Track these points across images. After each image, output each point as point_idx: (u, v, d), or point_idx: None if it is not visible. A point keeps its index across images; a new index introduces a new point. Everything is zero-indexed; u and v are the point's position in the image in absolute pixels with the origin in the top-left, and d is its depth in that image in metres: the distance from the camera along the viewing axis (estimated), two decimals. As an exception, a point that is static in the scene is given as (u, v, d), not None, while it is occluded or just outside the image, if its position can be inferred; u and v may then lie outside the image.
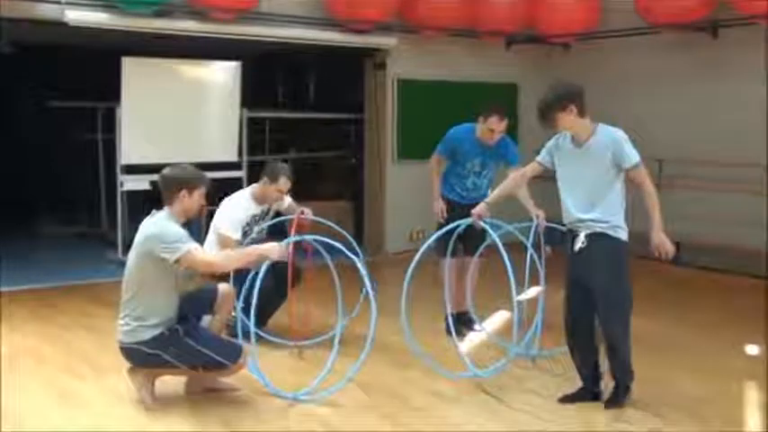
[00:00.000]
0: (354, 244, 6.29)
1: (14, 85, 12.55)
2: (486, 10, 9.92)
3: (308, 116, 12.27)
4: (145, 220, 4.99)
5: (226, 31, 8.85)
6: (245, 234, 6.17)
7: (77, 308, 7.38)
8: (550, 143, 5.14)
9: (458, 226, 5.83)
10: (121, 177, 9.06)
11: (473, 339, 6.51)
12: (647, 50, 9.93)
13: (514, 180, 5.58)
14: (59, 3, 7.84)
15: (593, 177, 4.88)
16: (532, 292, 6.07)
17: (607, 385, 5.09)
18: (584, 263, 4.88)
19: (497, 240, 5.36)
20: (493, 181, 6.53)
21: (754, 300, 7.87)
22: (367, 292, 5.13)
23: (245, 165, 9.83)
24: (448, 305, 6.34)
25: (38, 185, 12.72)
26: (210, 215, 6.39)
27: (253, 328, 5.03)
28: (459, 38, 10.24)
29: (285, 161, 11.21)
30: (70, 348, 6.18)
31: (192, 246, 4.87)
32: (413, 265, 5.43)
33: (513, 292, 5.15)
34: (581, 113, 4.87)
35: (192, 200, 4.98)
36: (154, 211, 5.00)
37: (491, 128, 6.38)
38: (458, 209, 6.33)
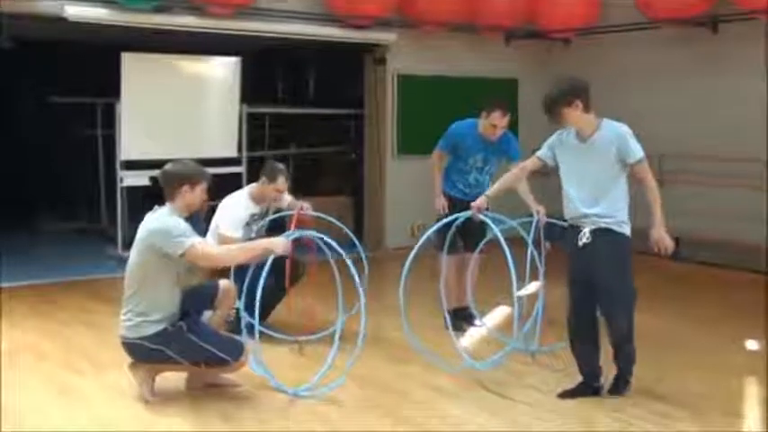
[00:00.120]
0: (354, 239, 6.31)
1: (14, 81, 12.53)
2: (486, 5, 9.92)
3: (307, 112, 12.26)
4: (147, 216, 4.99)
5: (225, 27, 8.85)
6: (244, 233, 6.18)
7: (77, 304, 7.38)
8: (552, 139, 5.14)
9: (456, 219, 5.83)
10: (121, 173, 9.06)
11: (473, 334, 6.52)
12: (647, 45, 9.93)
13: (514, 174, 5.59)
14: (59, -2, 7.85)
15: (597, 172, 4.89)
16: (532, 287, 6.07)
17: (607, 377, 5.11)
18: (589, 258, 4.88)
19: (499, 235, 5.36)
20: (495, 177, 6.52)
21: (753, 295, 7.88)
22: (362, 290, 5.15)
23: (244, 160, 9.83)
24: (444, 301, 6.32)
25: (37, 181, 12.70)
26: (211, 210, 6.39)
27: (258, 326, 5.02)
28: (458, 33, 10.24)
29: (285, 157, 11.35)
30: (70, 344, 6.18)
31: (197, 240, 4.88)
32: (410, 259, 5.45)
33: (515, 287, 5.16)
34: (586, 109, 4.87)
35: (194, 195, 4.98)
36: (156, 206, 5.00)
37: (494, 123, 6.37)
38: (459, 206, 6.27)
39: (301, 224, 5.94)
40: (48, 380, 5.39)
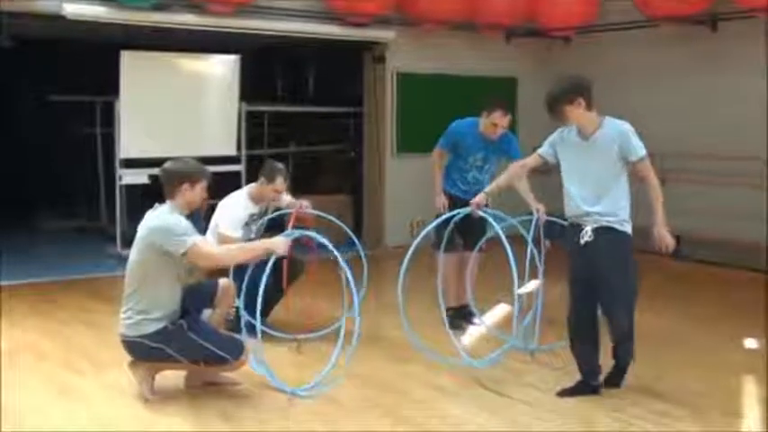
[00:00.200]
0: (354, 237, 6.31)
1: (14, 80, 12.52)
2: (486, 3, 9.91)
3: (307, 110, 12.25)
4: (148, 213, 4.99)
5: (224, 25, 8.85)
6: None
7: (77, 303, 7.38)
8: (554, 136, 5.14)
9: (454, 216, 5.84)
10: (120, 171, 9.06)
11: (473, 333, 6.52)
12: (647, 44, 9.93)
13: (514, 171, 5.58)
14: (58, -4, 7.84)
15: (599, 170, 4.89)
16: (531, 285, 6.07)
17: (603, 370, 5.13)
18: (590, 256, 4.88)
19: (500, 232, 5.37)
20: (494, 176, 6.51)
21: (753, 293, 7.88)
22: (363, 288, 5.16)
23: (243, 158, 9.83)
24: (441, 299, 6.29)
25: (37, 180, 12.70)
26: (210, 208, 6.39)
27: (259, 325, 5.02)
28: (458, 31, 10.23)
29: (284, 156, 11.34)
30: (70, 344, 6.17)
31: (199, 239, 4.88)
32: (408, 257, 5.45)
33: (516, 284, 5.16)
34: (588, 107, 4.87)
35: (195, 193, 4.98)
36: (156, 204, 4.99)
37: (494, 122, 6.37)
38: (459, 204, 6.24)
39: (301, 222, 5.94)
40: (48, 379, 5.39)
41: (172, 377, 5.17)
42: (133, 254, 4.97)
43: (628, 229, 4.91)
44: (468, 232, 6.34)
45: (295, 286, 6.31)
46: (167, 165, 5.07)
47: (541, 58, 10.89)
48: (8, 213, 11.17)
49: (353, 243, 6.28)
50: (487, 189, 5.66)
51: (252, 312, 5.15)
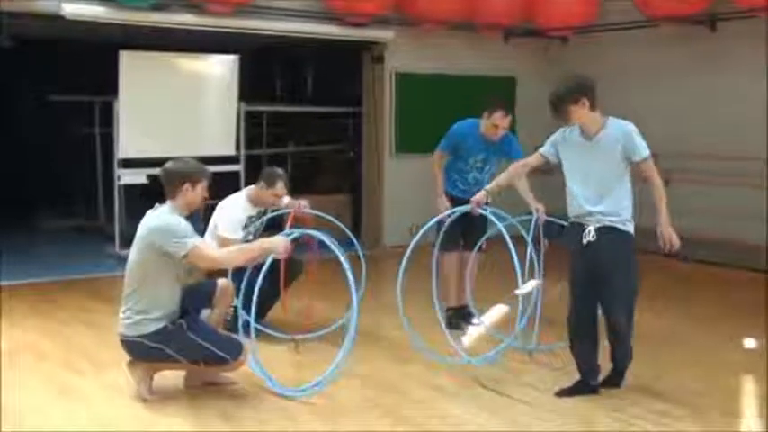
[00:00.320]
0: (353, 237, 6.32)
1: (14, 80, 12.52)
2: (485, 3, 9.92)
3: (305, 110, 12.25)
4: (148, 213, 4.98)
5: (223, 25, 8.85)
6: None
7: (76, 303, 7.37)
8: (556, 136, 5.14)
9: (453, 213, 5.83)
10: (118, 171, 9.04)
11: (472, 333, 6.52)
12: (646, 44, 9.93)
13: (515, 170, 5.58)
14: (57, -4, 7.83)
15: (602, 170, 4.89)
16: (530, 285, 6.07)
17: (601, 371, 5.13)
18: (593, 256, 4.88)
19: (503, 230, 5.38)
20: (495, 176, 6.50)
21: (753, 293, 7.89)
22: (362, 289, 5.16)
23: (242, 158, 9.82)
24: (435, 299, 6.26)
25: (37, 179, 12.70)
26: (209, 208, 6.38)
27: (253, 323, 5.02)
28: (457, 31, 10.23)
29: (283, 156, 11.34)
30: (70, 344, 6.17)
31: (199, 241, 4.88)
32: (406, 257, 5.45)
33: (520, 282, 5.17)
34: (593, 107, 4.88)
35: (195, 193, 4.97)
36: (156, 204, 4.99)
37: (495, 123, 6.37)
38: (459, 204, 6.21)
39: (299, 222, 5.94)
40: (48, 380, 5.38)
41: (171, 377, 5.17)
42: (133, 254, 4.97)
43: (630, 228, 4.92)
44: (469, 232, 6.33)
45: (294, 286, 6.31)
46: (168, 165, 5.06)
47: (540, 57, 10.90)
48: (8, 213, 11.16)
49: (352, 243, 6.27)
50: (488, 187, 5.66)
51: (249, 312, 5.15)
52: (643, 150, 4.85)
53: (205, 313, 5.33)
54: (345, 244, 5.61)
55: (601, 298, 4.94)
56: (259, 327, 5.87)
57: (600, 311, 5.01)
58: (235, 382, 5.20)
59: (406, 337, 5.81)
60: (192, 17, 8.63)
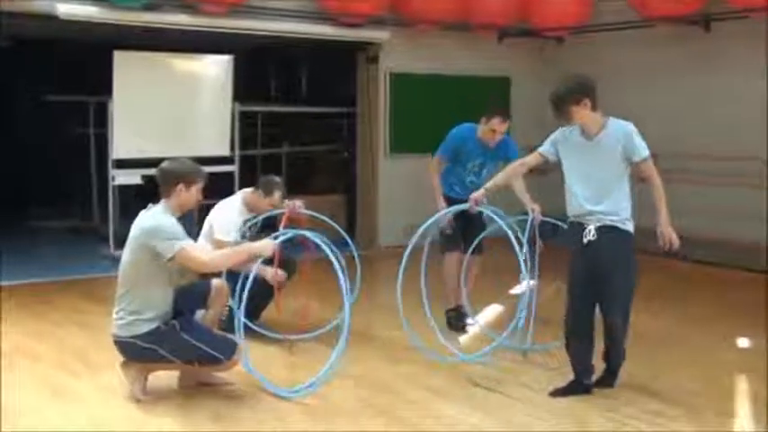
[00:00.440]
0: (347, 238, 6.31)
1: (11, 80, 12.48)
2: (479, 3, 9.91)
3: (300, 110, 12.24)
4: (141, 213, 4.97)
5: (217, 25, 8.83)
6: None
7: (70, 304, 7.34)
8: (556, 135, 5.14)
9: (451, 214, 5.83)
10: (113, 172, 9.01)
11: (467, 332, 6.51)
12: (641, 44, 9.93)
13: (514, 169, 5.60)
14: (51, -4, 7.81)
15: (603, 170, 4.90)
16: (524, 285, 6.06)
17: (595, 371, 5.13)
18: (593, 255, 4.89)
19: (506, 228, 5.39)
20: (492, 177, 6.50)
21: (749, 293, 7.90)
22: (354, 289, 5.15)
23: (237, 159, 9.80)
24: (424, 299, 6.21)
25: (33, 179, 12.66)
26: (204, 209, 6.36)
27: (242, 324, 5.00)
28: (451, 31, 10.23)
29: (278, 157, 11.32)
30: (63, 345, 6.14)
31: (188, 243, 4.85)
32: (405, 257, 5.45)
33: (523, 280, 5.16)
34: (593, 107, 4.89)
35: (190, 194, 4.96)
36: (150, 204, 4.97)
37: (493, 128, 6.36)
38: (457, 206, 6.27)
39: (294, 223, 5.93)
40: (42, 381, 5.35)
41: (165, 377, 5.15)
42: (126, 254, 4.95)
43: (630, 227, 4.93)
44: (469, 234, 6.34)
45: (288, 286, 6.29)
46: (164, 164, 5.04)
47: (534, 58, 10.90)
48: (4, 213, 11.13)
49: (347, 243, 6.26)
50: (487, 186, 5.68)
51: (244, 313, 5.14)
52: (643, 150, 4.87)
53: (200, 314, 5.31)
54: (340, 244, 5.59)
55: (600, 298, 4.95)
56: (255, 327, 5.87)
57: (598, 311, 5.01)
58: (229, 382, 5.19)
59: (399, 338, 5.80)
60: (187, 17, 8.61)
